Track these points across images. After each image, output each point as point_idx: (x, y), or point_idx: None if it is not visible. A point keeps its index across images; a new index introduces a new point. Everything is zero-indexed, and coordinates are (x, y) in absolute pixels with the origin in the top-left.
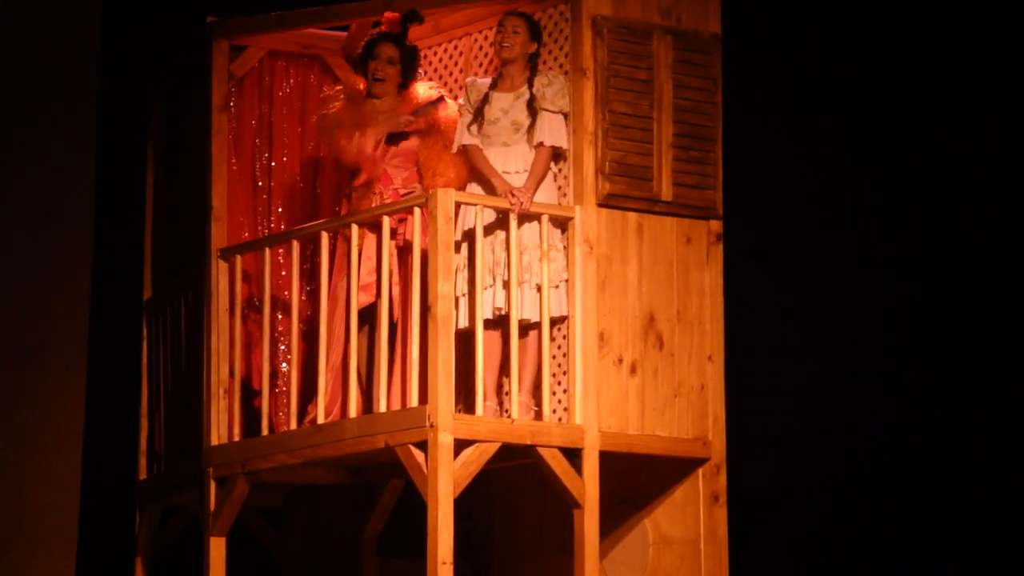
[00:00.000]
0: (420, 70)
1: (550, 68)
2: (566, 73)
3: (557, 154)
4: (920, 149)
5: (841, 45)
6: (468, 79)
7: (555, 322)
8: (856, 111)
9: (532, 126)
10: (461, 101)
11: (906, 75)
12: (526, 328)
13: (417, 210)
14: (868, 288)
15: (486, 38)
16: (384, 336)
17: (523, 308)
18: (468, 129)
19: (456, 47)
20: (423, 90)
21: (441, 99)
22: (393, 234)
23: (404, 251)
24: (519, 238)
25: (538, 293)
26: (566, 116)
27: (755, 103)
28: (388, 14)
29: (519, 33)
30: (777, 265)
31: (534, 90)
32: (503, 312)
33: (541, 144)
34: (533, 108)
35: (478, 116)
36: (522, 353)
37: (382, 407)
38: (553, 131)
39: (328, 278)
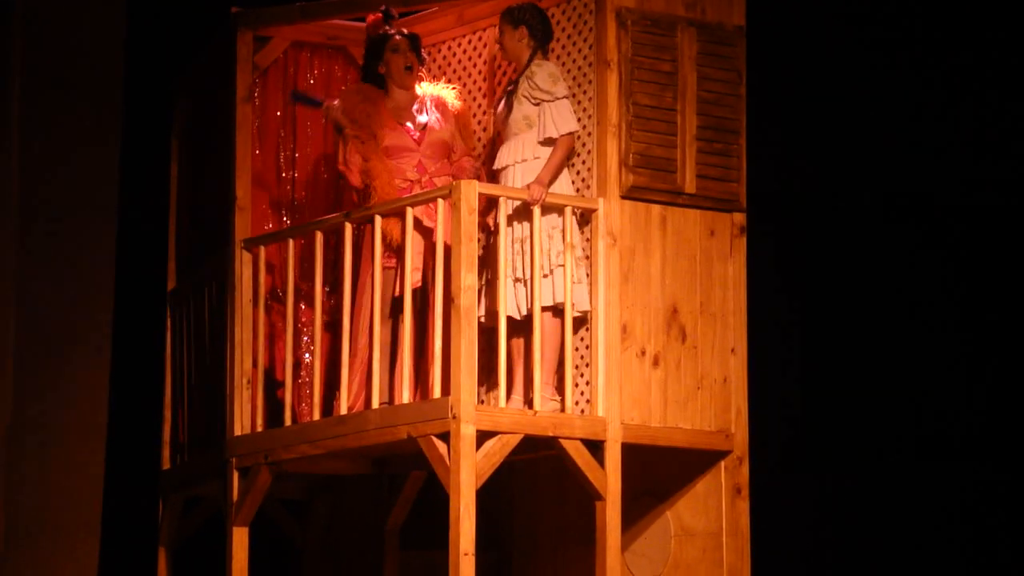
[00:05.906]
0: (435, 65)
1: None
2: (568, 61)
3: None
4: (945, 141)
5: (866, 36)
6: None
7: (557, 311)
8: (880, 103)
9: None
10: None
11: (930, 67)
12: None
13: (440, 201)
14: (892, 279)
15: None
16: (408, 326)
17: (517, 303)
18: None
19: (480, 38)
20: (436, 89)
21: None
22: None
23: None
24: (523, 232)
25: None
26: (567, 98)
27: (779, 95)
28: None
29: (504, 32)
30: (800, 257)
31: (519, 81)
32: (515, 317)
33: (551, 139)
34: (515, 99)
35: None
36: (521, 345)
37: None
38: (558, 119)
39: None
